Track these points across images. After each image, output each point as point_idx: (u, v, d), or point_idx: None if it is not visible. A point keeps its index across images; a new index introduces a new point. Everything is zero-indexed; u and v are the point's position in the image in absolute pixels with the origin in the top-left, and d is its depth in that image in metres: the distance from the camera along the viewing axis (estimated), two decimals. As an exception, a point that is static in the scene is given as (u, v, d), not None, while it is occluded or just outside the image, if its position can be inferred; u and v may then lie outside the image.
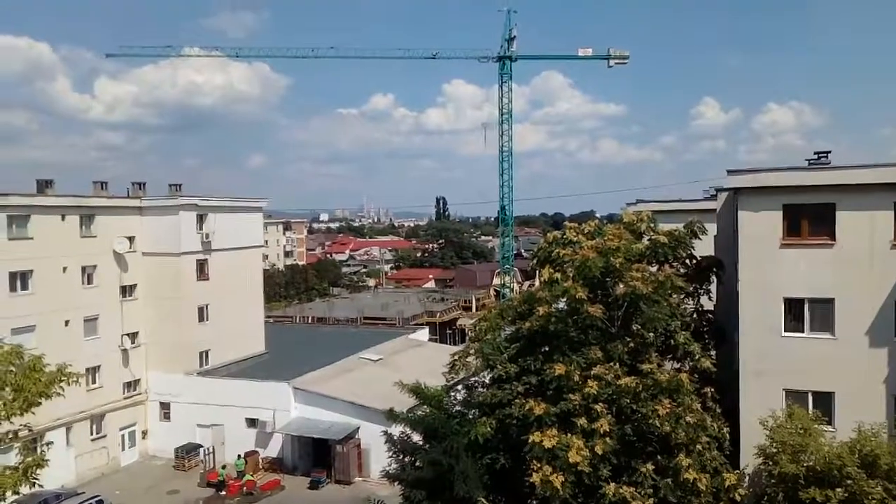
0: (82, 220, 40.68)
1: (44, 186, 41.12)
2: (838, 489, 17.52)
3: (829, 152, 23.81)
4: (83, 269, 40.54)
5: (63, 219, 39.48)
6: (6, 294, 36.12)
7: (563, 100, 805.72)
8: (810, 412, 20.13)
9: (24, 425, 19.53)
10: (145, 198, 44.84)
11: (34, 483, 18.84)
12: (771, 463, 19.06)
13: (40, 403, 19.18)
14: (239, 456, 39.52)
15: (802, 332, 20.93)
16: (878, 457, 17.72)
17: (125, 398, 42.92)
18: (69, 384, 19.54)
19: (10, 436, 19.61)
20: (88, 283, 40.93)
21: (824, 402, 20.66)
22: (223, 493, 37.51)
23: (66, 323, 39.07)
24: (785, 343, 20.96)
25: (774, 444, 19.05)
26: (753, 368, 21.20)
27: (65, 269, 39.27)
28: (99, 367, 41.02)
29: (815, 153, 24.15)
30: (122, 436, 42.65)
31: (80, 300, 40.04)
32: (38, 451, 19.75)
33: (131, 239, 42.90)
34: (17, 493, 18.75)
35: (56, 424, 36.93)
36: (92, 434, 40.62)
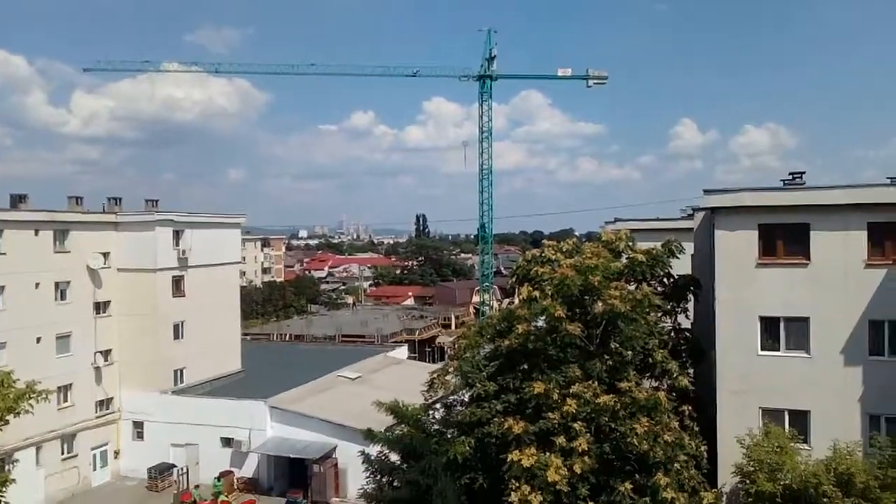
0: (56, 235, 40.06)
1: (17, 201, 40.53)
2: (814, 507, 17.61)
3: (804, 173, 24.23)
4: (56, 284, 39.84)
5: (36, 234, 38.86)
6: (-24, 310, 35.41)
7: (543, 119, 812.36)
8: (787, 431, 20.26)
9: (-8, 444, 19.17)
10: (121, 213, 44.33)
11: (0, 501, 18.47)
12: (748, 482, 19.09)
13: (7, 422, 18.84)
14: (217, 478, 38.83)
15: (778, 350, 21.11)
16: (853, 475, 17.82)
17: (97, 417, 42.10)
18: (38, 401, 19.24)
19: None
20: (61, 299, 40.24)
21: (800, 420, 20.81)
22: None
23: (38, 340, 38.31)
24: (761, 362, 21.13)
25: (752, 463, 19.13)
26: (730, 387, 21.32)
27: (37, 284, 38.58)
28: (71, 384, 40.22)
29: (790, 174, 24.56)
30: (94, 455, 41.75)
31: (53, 317, 39.34)
32: (6, 469, 19.36)
33: (106, 255, 42.30)
34: None
35: (25, 444, 36.14)
36: (63, 454, 39.73)
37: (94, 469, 41.76)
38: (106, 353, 42.43)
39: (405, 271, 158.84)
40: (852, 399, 20.27)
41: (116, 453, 43.13)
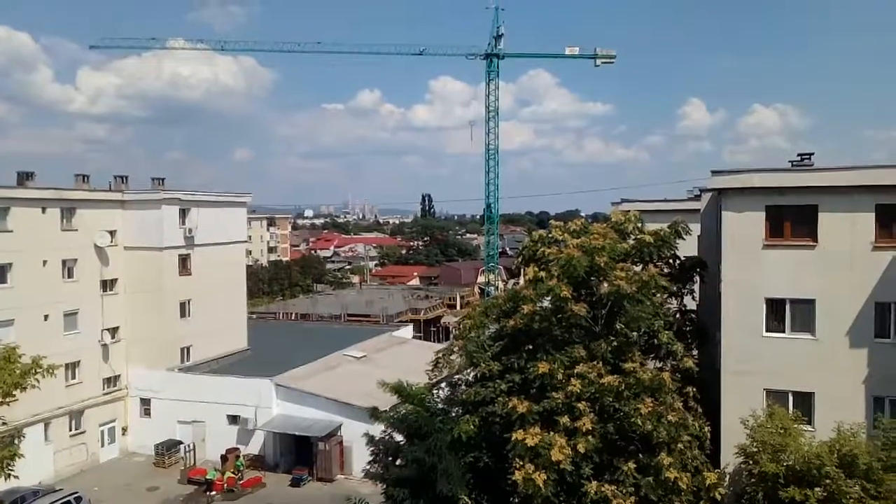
0: (63, 213, 40.18)
1: (24, 179, 40.64)
2: (817, 488, 17.66)
3: (813, 154, 23.96)
4: (63, 262, 40.04)
5: (44, 212, 38.97)
6: (-16, 287, 35.59)
7: (550, 98, 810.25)
8: (790, 412, 20.28)
9: (-1, 418, 19.39)
10: (128, 191, 44.46)
11: (9, 475, 18.72)
12: (751, 462, 19.19)
13: (15, 397, 19.05)
14: (236, 456, 39.10)
15: (784, 332, 21.07)
16: (856, 456, 17.86)
17: (105, 394, 42.48)
18: (44, 376, 19.44)
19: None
20: (69, 276, 40.45)
21: (804, 402, 20.81)
22: (211, 492, 36.99)
23: (46, 317, 38.58)
24: (766, 343, 21.10)
25: (755, 444, 19.19)
26: (735, 368, 21.32)
27: (45, 262, 38.77)
28: (79, 362, 40.57)
29: (798, 155, 24.26)
30: (102, 432, 42.21)
31: (60, 294, 39.56)
32: (14, 444, 19.63)
33: (113, 233, 42.45)
34: None
35: (34, 420, 36.51)
36: (71, 430, 40.17)
37: (102, 445, 42.24)
38: (113, 331, 42.70)
39: (411, 251, 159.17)
40: (857, 381, 20.24)
41: (124, 430, 43.55)
